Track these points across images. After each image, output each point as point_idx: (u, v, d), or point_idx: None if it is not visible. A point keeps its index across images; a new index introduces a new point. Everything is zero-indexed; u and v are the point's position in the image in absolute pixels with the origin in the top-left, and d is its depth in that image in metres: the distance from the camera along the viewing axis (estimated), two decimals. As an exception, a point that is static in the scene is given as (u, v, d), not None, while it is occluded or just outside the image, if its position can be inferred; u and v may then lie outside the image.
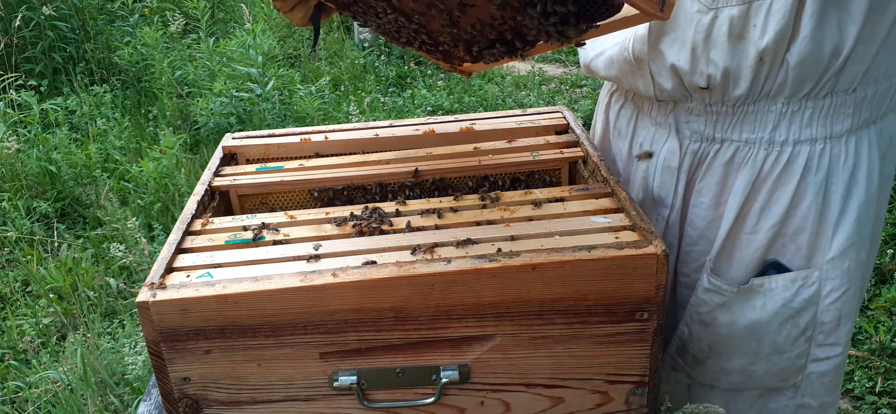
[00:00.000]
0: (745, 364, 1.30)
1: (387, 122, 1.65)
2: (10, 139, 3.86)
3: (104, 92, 4.56)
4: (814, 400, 1.30)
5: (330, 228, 1.26)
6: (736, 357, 1.30)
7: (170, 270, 1.16)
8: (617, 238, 1.14)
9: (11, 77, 4.51)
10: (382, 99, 5.04)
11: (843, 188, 1.18)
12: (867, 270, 1.27)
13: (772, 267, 1.24)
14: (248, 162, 1.58)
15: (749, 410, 1.34)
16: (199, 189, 1.41)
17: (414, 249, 1.16)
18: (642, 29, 1.23)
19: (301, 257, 1.17)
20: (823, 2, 1.08)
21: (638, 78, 1.28)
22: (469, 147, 1.51)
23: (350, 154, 1.55)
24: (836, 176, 1.18)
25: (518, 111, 1.67)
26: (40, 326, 3.02)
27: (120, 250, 3.08)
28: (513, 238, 1.17)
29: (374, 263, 1.13)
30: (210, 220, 1.32)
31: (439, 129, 1.59)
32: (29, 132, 4.11)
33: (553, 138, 1.55)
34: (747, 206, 1.23)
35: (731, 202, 1.24)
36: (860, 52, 1.12)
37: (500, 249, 1.13)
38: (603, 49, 1.33)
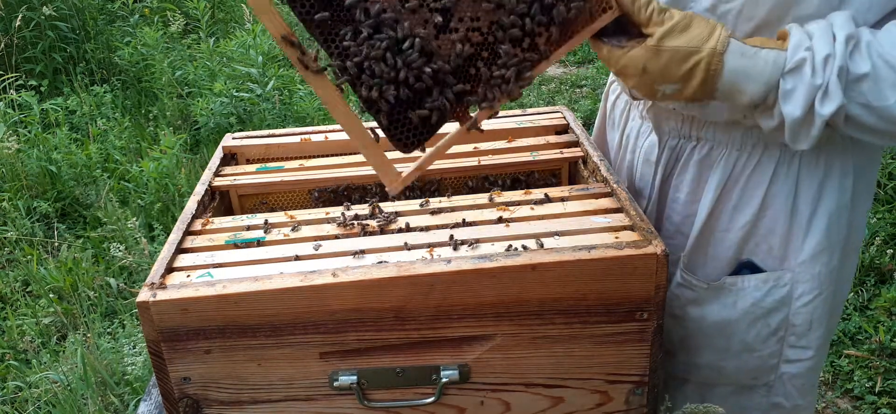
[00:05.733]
0: (715, 360, 1.31)
1: (387, 123, 1.65)
2: (10, 139, 3.86)
3: (104, 92, 4.55)
4: (786, 401, 1.31)
5: (330, 228, 1.26)
6: (705, 352, 1.31)
7: (170, 269, 1.16)
8: (617, 238, 1.14)
9: (12, 77, 4.51)
10: (382, 99, 5.03)
11: (812, 193, 1.20)
12: (841, 278, 1.27)
13: (745, 267, 1.26)
14: (249, 162, 1.58)
15: (723, 405, 1.35)
16: (200, 189, 1.41)
17: (409, 245, 1.16)
18: None
19: (301, 257, 1.17)
20: None
21: (613, 78, 1.32)
22: (469, 147, 1.51)
23: (350, 154, 1.55)
24: (806, 181, 1.20)
25: (518, 111, 1.68)
26: (40, 326, 3.02)
27: (120, 250, 3.08)
28: (513, 238, 1.17)
29: (374, 262, 1.13)
30: (210, 220, 1.32)
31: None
32: (29, 132, 4.10)
33: (553, 138, 1.55)
34: (720, 204, 1.24)
35: (704, 200, 1.25)
36: None
37: (509, 246, 1.13)
38: None
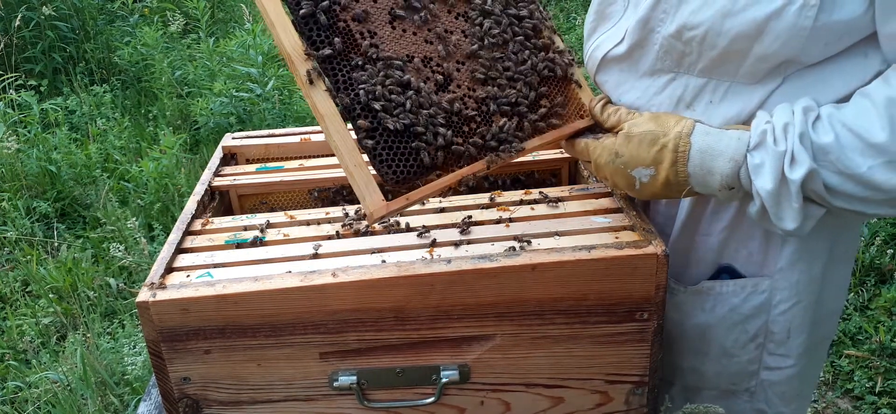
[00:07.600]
0: (696, 364, 1.31)
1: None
2: (9, 139, 3.86)
3: (104, 92, 4.55)
4: (769, 408, 1.31)
5: (330, 228, 1.26)
6: (686, 356, 1.31)
7: (170, 269, 1.16)
8: (617, 238, 1.14)
9: (11, 77, 4.51)
10: (382, 99, 5.02)
11: None
12: (827, 287, 1.25)
13: (725, 271, 1.25)
14: (248, 162, 1.58)
15: None
16: (199, 189, 1.41)
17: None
18: (596, 57, 1.28)
19: (301, 257, 1.17)
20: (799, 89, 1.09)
21: None
22: (469, 147, 1.51)
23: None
24: None
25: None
26: (40, 326, 3.01)
27: (120, 250, 3.08)
28: (513, 238, 1.17)
29: (374, 262, 1.13)
30: (210, 220, 1.32)
31: (439, 129, 1.59)
32: (29, 132, 4.10)
33: (553, 138, 1.55)
34: (699, 208, 1.24)
35: (683, 203, 1.25)
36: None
37: (512, 247, 1.13)
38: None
